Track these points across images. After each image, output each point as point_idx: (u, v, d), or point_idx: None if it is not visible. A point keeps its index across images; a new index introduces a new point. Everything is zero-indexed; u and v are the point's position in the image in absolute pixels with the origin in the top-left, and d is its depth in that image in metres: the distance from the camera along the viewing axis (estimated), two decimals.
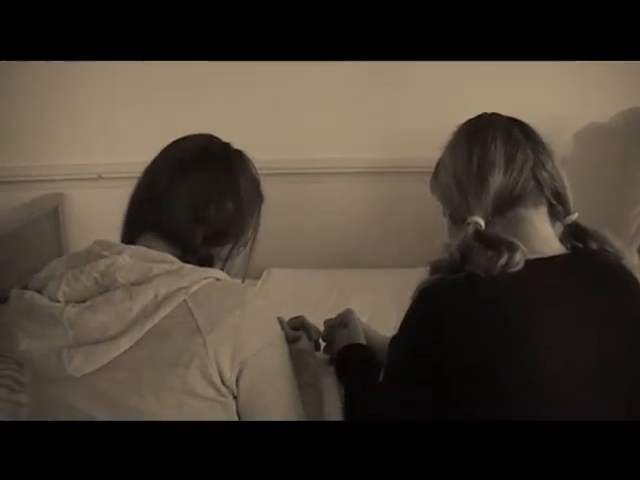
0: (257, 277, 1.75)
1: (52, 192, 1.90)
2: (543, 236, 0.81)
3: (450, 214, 0.87)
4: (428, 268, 0.78)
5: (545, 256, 0.77)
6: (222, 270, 0.84)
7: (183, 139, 0.88)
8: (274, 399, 0.79)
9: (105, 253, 0.77)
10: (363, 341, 1.14)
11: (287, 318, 1.24)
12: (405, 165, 1.83)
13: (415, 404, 0.75)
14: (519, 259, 0.73)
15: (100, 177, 1.88)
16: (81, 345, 0.72)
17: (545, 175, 0.81)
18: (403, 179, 1.85)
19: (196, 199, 0.81)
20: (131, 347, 0.72)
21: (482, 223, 0.79)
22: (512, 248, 0.74)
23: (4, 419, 1.06)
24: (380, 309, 1.51)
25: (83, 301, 0.74)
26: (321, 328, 1.23)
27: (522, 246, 0.74)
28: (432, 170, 0.92)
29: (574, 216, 0.84)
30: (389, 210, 1.91)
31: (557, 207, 0.83)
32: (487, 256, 0.73)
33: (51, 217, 1.89)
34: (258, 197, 0.90)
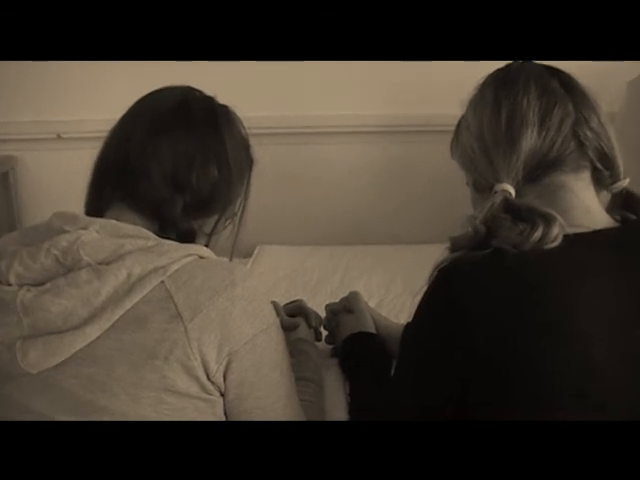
0: (248, 255, 1.76)
1: (1, 154, 1.88)
2: (586, 206, 0.80)
3: (474, 182, 0.87)
4: (448, 244, 0.78)
5: (588, 230, 0.77)
6: (206, 246, 0.84)
7: (158, 92, 0.87)
8: (268, 396, 0.80)
9: (67, 227, 0.77)
10: (372, 329, 1.15)
11: (283, 302, 1.25)
12: (421, 123, 1.81)
13: (433, 402, 0.76)
14: (556, 233, 0.73)
15: (59, 137, 1.87)
16: (39, 335, 0.72)
17: (589, 134, 0.80)
18: (419, 140, 1.83)
19: (175, 163, 0.81)
20: (99, 337, 0.72)
21: (512, 191, 0.78)
22: (548, 220, 0.73)
23: None
24: (391, 292, 1.52)
25: (41, 284, 0.74)
26: (322, 314, 1.23)
27: (560, 218, 0.74)
28: (453, 130, 0.92)
29: (624, 182, 0.83)
30: (403, 177, 1.91)
31: (603, 172, 0.82)
32: (518, 230, 0.73)
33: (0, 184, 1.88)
34: (248, 161, 0.90)
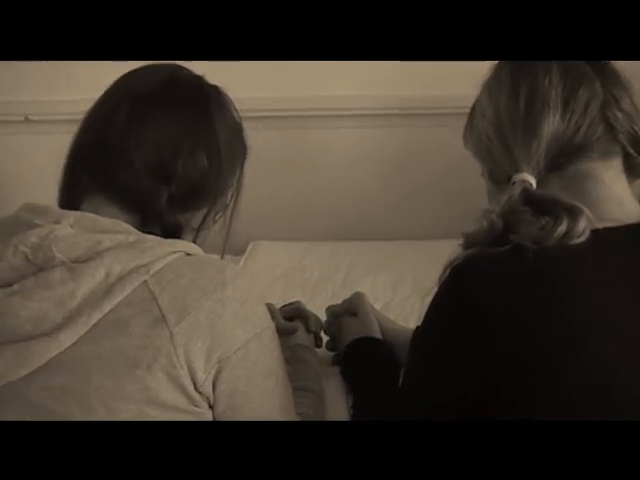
0: (240, 252, 1.75)
1: None
2: (616, 197, 0.80)
3: (490, 172, 0.87)
4: (462, 241, 0.78)
5: (620, 224, 0.77)
6: (194, 242, 0.84)
7: (142, 70, 0.87)
8: (261, 407, 0.80)
9: (38, 221, 0.77)
10: (377, 334, 1.15)
11: (279, 304, 1.25)
12: (432, 106, 1.80)
13: (445, 413, 0.75)
14: (583, 227, 0.73)
15: (27, 119, 1.86)
16: (6, 343, 0.72)
17: (619, 116, 0.80)
18: (429, 124, 1.83)
19: (160, 150, 0.81)
20: (74, 344, 0.72)
21: (532, 182, 0.78)
22: (573, 213, 0.73)
23: None
24: (399, 293, 1.52)
25: (9, 284, 0.73)
26: (323, 317, 1.24)
27: (587, 211, 0.74)
28: (466, 112, 0.91)
29: None
30: (411, 165, 1.90)
31: (636, 158, 0.82)
32: (539, 224, 0.73)
33: None
34: (240, 147, 0.90)
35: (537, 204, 0.75)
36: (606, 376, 0.70)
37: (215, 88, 0.89)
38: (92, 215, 0.78)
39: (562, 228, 0.72)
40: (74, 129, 0.85)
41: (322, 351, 1.20)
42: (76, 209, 0.80)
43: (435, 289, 0.78)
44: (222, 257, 0.91)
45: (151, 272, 0.73)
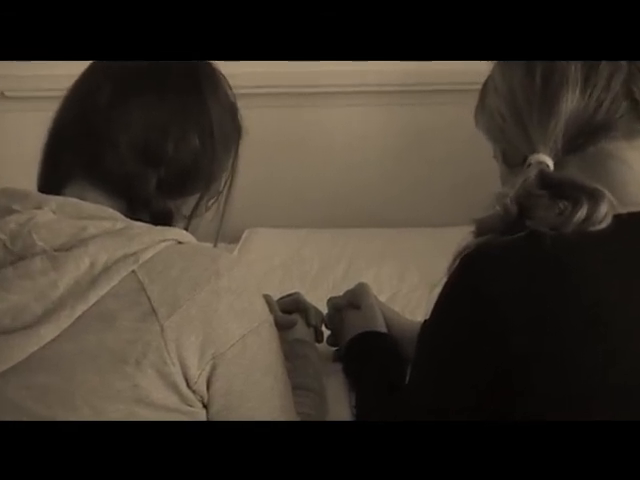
0: (235, 240, 1.75)
1: None
2: None
3: (504, 153, 0.86)
4: (473, 228, 0.78)
5: None
6: (186, 230, 0.84)
7: None
8: (259, 407, 0.80)
9: (16, 207, 0.77)
10: (382, 328, 1.15)
11: (277, 296, 1.25)
12: (442, 81, 1.79)
13: (457, 405, 0.76)
14: (605, 212, 0.72)
15: (3, 95, 1.85)
16: None
17: None
18: (439, 101, 1.82)
19: (148, 131, 0.81)
20: (57, 339, 0.72)
21: (550, 163, 0.78)
22: (594, 197, 0.73)
23: None
24: (406, 284, 1.52)
25: None
26: (324, 310, 1.24)
27: (609, 194, 0.74)
28: (478, 90, 0.91)
29: None
30: (419, 146, 1.90)
31: None
32: (557, 209, 0.73)
33: None
34: (235, 128, 0.90)
35: (555, 187, 0.75)
36: (628, 358, 0.71)
37: (208, 65, 0.89)
38: (75, 200, 0.78)
39: (582, 213, 0.72)
40: (56, 107, 0.85)
41: (323, 346, 1.20)
42: (58, 194, 0.80)
43: (444, 280, 0.77)
44: (215, 245, 0.91)
45: (140, 261, 0.73)
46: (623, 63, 0.79)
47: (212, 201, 0.89)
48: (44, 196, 0.78)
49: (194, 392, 0.75)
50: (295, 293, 1.26)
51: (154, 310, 0.72)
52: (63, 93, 0.85)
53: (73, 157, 0.82)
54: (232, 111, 0.89)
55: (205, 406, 0.78)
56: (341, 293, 1.25)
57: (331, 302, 1.24)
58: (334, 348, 1.20)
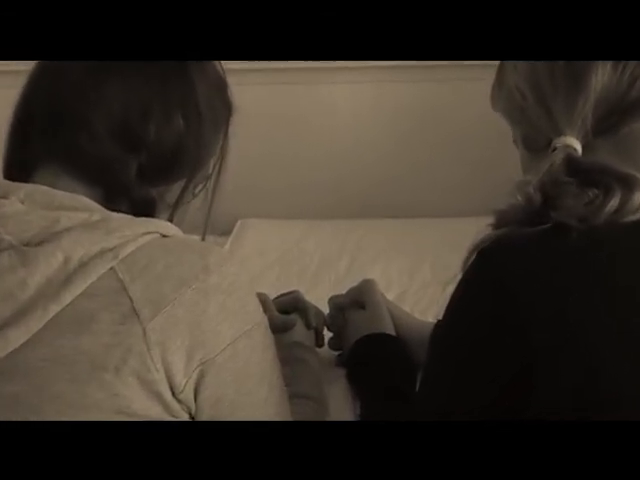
0: (226, 232, 1.77)
1: None
2: None
3: (524, 137, 0.87)
4: (491, 219, 0.78)
5: None
6: (170, 221, 0.84)
7: None
8: (252, 418, 0.80)
9: None
10: (390, 330, 1.16)
11: (273, 295, 1.25)
12: None
13: (467, 413, 0.76)
14: None
15: None
16: None
17: None
18: (451, 76, 1.82)
19: (126, 110, 0.81)
20: (27, 343, 0.71)
21: (577, 147, 0.78)
22: (629, 184, 0.73)
23: None
24: (416, 280, 1.53)
25: None
26: (325, 310, 1.24)
27: None
28: (496, 65, 0.91)
29: None
30: (430, 127, 1.90)
31: None
32: (587, 198, 0.73)
33: None
34: (224, 107, 0.90)
35: (583, 174, 0.75)
36: None
37: None
38: (46, 188, 0.77)
39: (614, 202, 0.72)
40: (22, 82, 0.84)
41: (324, 350, 1.21)
42: (26, 181, 0.80)
43: (459, 276, 0.78)
44: (203, 239, 0.92)
45: (119, 257, 0.73)
46: None
47: (199, 188, 0.89)
48: (11, 184, 0.79)
49: (180, 402, 0.75)
50: (293, 291, 1.26)
51: (136, 311, 0.72)
52: (30, 67, 0.85)
53: (43, 140, 0.81)
54: (221, 87, 0.90)
55: (193, 418, 0.78)
56: (344, 291, 1.25)
57: (333, 301, 1.24)
58: (336, 352, 1.21)
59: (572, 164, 0.76)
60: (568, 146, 0.78)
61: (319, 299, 1.26)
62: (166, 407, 0.74)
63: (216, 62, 0.89)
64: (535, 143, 0.84)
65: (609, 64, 0.78)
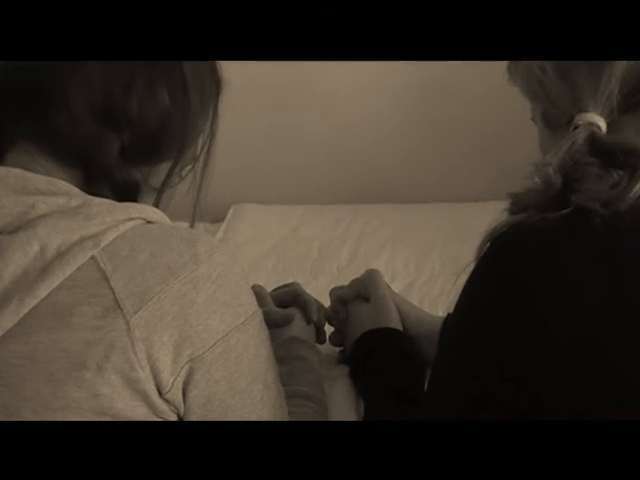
0: (218, 219, 1.77)
1: None
2: None
3: (543, 113, 0.87)
4: (507, 203, 0.78)
5: None
6: (156, 206, 0.84)
7: None
8: (245, 419, 0.80)
9: None
10: (396, 324, 1.16)
11: (270, 287, 1.25)
12: None
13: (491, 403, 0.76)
14: None
15: None
16: None
17: None
18: None
19: (107, 86, 0.80)
20: (1, 339, 0.72)
21: (602, 124, 0.79)
22: None
23: None
24: (425, 271, 1.53)
25: None
26: (326, 303, 1.24)
27: None
28: None
29: None
30: (439, 103, 1.89)
31: None
32: (611, 180, 0.74)
33: None
34: (213, 82, 0.90)
35: (608, 154, 0.76)
36: None
37: None
38: (20, 171, 0.77)
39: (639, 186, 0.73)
40: None
41: (325, 347, 1.21)
42: None
43: (471, 266, 0.78)
44: (192, 226, 0.91)
45: (101, 245, 0.73)
46: None
47: (187, 170, 0.89)
48: None
49: (167, 402, 0.76)
50: (292, 283, 1.27)
51: (119, 304, 0.72)
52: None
53: (15, 117, 0.81)
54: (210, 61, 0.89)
55: (181, 419, 0.78)
56: (346, 282, 1.25)
57: (335, 293, 1.24)
58: (339, 348, 1.21)
59: (596, 143, 0.76)
60: (591, 123, 0.78)
61: (320, 291, 1.26)
62: (152, 407, 0.75)
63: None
64: (555, 120, 0.84)
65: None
